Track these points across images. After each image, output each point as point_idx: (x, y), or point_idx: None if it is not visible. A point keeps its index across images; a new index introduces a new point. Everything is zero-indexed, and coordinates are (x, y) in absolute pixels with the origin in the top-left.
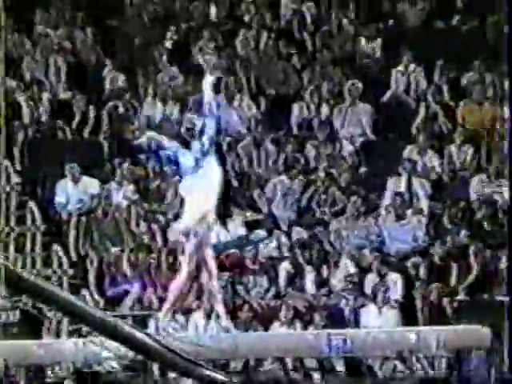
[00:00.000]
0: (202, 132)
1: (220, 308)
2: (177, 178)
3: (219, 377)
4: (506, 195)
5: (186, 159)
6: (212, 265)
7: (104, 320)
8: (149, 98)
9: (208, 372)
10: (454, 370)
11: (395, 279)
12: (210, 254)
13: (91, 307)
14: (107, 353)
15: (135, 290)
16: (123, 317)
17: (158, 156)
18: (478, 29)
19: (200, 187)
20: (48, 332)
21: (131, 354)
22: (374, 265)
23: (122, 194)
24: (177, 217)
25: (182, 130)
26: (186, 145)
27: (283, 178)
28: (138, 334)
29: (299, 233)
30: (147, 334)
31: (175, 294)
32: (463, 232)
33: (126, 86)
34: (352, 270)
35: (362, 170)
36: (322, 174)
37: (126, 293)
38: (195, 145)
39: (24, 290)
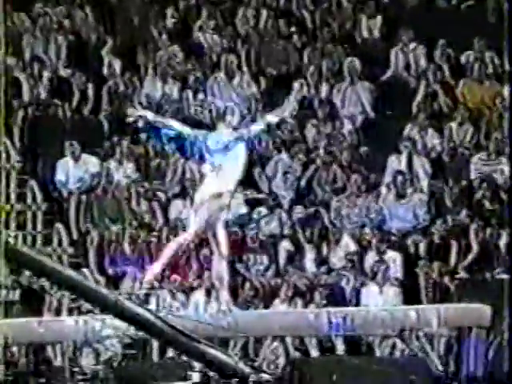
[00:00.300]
0: (224, 114)
1: (224, 292)
2: (177, 155)
3: (221, 355)
4: (507, 172)
5: (215, 141)
6: (224, 245)
7: (105, 296)
8: (149, 77)
9: (210, 350)
10: (453, 348)
11: (395, 257)
12: (222, 233)
13: (91, 283)
14: (108, 331)
15: (136, 269)
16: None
17: (159, 134)
18: (478, 7)
19: (225, 168)
20: (49, 310)
21: (131, 332)
22: (375, 243)
23: (122, 173)
24: (177, 195)
25: (206, 112)
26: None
27: (283, 156)
28: (139, 310)
29: (300, 211)
30: (148, 310)
31: (168, 254)
32: (463, 210)
33: (125, 65)
34: (352, 248)
35: (363, 148)
36: (322, 153)
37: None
38: (223, 127)
39: (26, 266)
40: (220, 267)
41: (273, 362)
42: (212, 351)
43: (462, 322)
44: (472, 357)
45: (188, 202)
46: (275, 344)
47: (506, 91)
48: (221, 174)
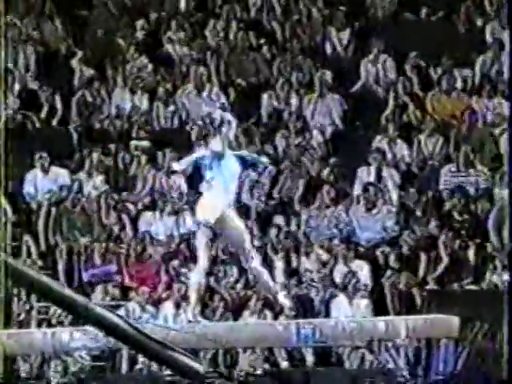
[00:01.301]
0: (220, 126)
1: (281, 298)
2: (147, 167)
3: (192, 363)
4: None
5: (207, 157)
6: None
7: (74, 300)
8: (118, 88)
9: (181, 357)
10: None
11: (363, 268)
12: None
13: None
14: (77, 343)
15: (107, 276)
16: None
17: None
18: (447, 19)
19: (219, 182)
20: (17, 322)
21: (100, 344)
22: (344, 255)
23: (91, 185)
24: (147, 207)
25: (199, 123)
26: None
27: (250, 171)
28: (110, 316)
29: (269, 223)
30: (119, 316)
31: (195, 288)
32: (433, 222)
33: (94, 77)
34: (322, 259)
35: (332, 160)
36: (291, 164)
37: (97, 282)
38: (215, 140)
39: None
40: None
41: (251, 373)
42: (183, 358)
43: (430, 333)
44: (441, 368)
45: (157, 213)
46: (253, 356)
47: (474, 103)
48: (215, 192)
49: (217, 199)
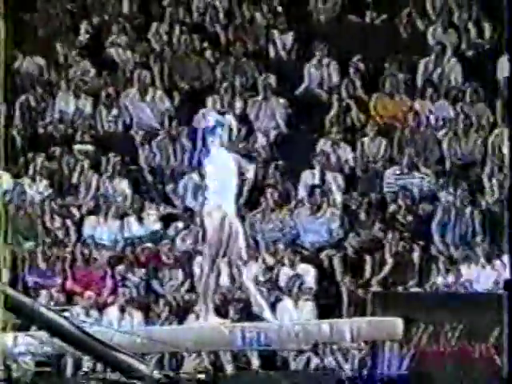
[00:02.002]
0: (214, 128)
1: (263, 303)
2: (91, 172)
3: (139, 365)
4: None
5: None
6: (243, 264)
7: (20, 301)
8: (61, 92)
9: (128, 359)
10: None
11: (308, 271)
12: (242, 253)
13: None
14: (20, 348)
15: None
16: None
17: None
18: (390, 23)
19: (218, 177)
20: None
21: (45, 349)
22: (289, 258)
23: (35, 189)
24: (91, 212)
25: (203, 123)
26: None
27: (194, 175)
28: (56, 317)
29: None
30: (65, 318)
31: (207, 290)
32: (377, 224)
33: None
34: (267, 262)
35: (276, 163)
36: None
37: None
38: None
39: None
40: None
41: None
42: (128, 359)
43: (375, 336)
44: (385, 370)
45: (102, 217)
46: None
47: (417, 106)
48: (215, 184)
49: (219, 201)
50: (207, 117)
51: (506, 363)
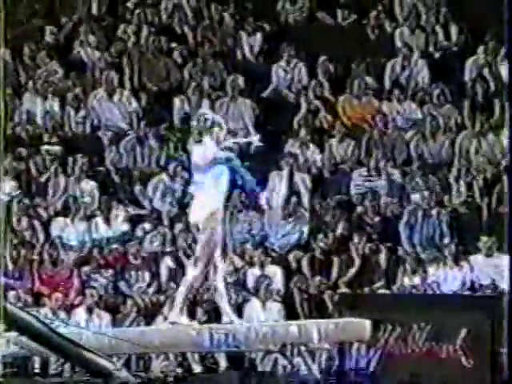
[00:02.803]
0: (212, 127)
1: (226, 306)
2: (59, 173)
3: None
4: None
5: (200, 155)
6: (220, 263)
7: None
8: (28, 93)
9: (96, 357)
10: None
11: (276, 273)
12: (218, 252)
13: None
14: None
15: (17, 286)
16: None
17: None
18: (358, 25)
19: (209, 184)
20: None
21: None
22: (257, 259)
23: (2, 190)
24: (58, 213)
25: (194, 123)
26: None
27: (163, 176)
28: (24, 315)
29: (181, 228)
30: (34, 316)
31: (184, 293)
32: (344, 225)
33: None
34: (236, 264)
35: (244, 164)
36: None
37: (8, 289)
38: (209, 140)
39: None
40: (216, 284)
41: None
42: (96, 358)
43: (342, 337)
44: (353, 371)
45: (69, 219)
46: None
47: (384, 107)
48: (204, 193)
49: (206, 200)
50: (208, 111)
51: (506, 363)
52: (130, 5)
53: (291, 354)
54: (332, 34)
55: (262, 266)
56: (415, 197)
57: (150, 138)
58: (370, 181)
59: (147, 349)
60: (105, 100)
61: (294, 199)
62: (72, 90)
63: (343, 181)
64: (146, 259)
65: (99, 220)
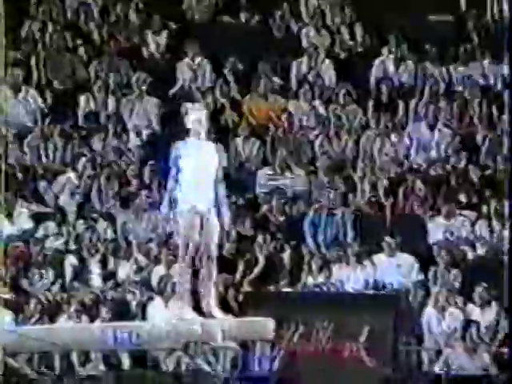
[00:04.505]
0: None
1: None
2: None
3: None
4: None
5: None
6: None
7: None
8: None
9: None
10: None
11: None
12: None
13: None
14: None
15: None
16: None
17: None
18: (264, 24)
19: (197, 170)
20: None
21: None
22: (162, 257)
23: None
24: None
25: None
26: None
27: (71, 175)
28: None
29: (83, 226)
30: None
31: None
32: (249, 224)
33: None
34: (140, 262)
35: (150, 162)
36: (108, 168)
37: None
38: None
39: None
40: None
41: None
42: None
43: (246, 336)
44: (257, 370)
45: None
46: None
47: (290, 106)
48: (194, 176)
49: (190, 194)
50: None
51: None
52: (34, 1)
53: (195, 352)
54: (238, 32)
55: (168, 264)
56: (319, 196)
57: (55, 135)
58: (275, 180)
59: (51, 346)
60: (10, 97)
61: None
62: None
63: (248, 180)
64: (50, 257)
65: (2, 217)
